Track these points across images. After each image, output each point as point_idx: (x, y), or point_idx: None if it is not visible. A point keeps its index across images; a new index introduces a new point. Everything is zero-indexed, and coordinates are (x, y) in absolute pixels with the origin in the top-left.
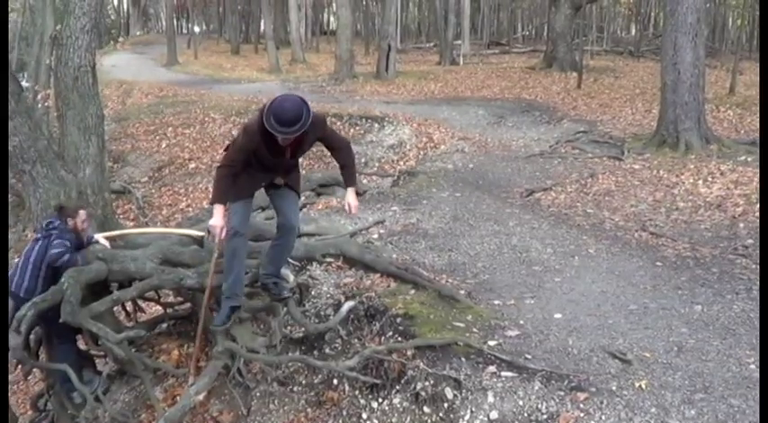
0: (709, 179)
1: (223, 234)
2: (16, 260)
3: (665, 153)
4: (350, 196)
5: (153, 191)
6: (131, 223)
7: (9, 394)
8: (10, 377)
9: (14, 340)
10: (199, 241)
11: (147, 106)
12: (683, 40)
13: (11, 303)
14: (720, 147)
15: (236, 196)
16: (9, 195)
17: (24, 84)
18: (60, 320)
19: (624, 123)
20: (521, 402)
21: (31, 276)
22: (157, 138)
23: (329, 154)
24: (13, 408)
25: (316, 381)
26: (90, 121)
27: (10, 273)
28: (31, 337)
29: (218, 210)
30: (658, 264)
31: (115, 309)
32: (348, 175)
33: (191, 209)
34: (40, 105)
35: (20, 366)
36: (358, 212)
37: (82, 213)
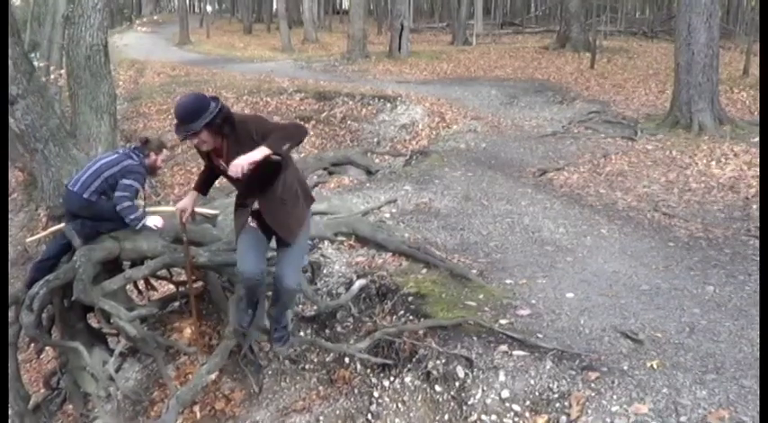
0: (723, 160)
1: (184, 217)
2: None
3: (679, 134)
4: (244, 155)
5: (165, 170)
6: (143, 202)
7: (22, 373)
8: (23, 356)
9: (27, 318)
10: (211, 219)
11: (160, 85)
12: (696, 20)
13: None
14: (734, 128)
15: (235, 228)
16: (22, 174)
17: (36, 63)
18: (72, 298)
19: (637, 104)
20: (532, 381)
21: (92, 174)
22: (170, 117)
23: (341, 132)
24: (26, 386)
25: (327, 359)
26: (102, 100)
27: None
28: (44, 315)
29: (189, 194)
30: (671, 244)
31: (127, 287)
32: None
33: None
34: (52, 85)
35: (32, 344)
36: (237, 172)
37: (165, 152)
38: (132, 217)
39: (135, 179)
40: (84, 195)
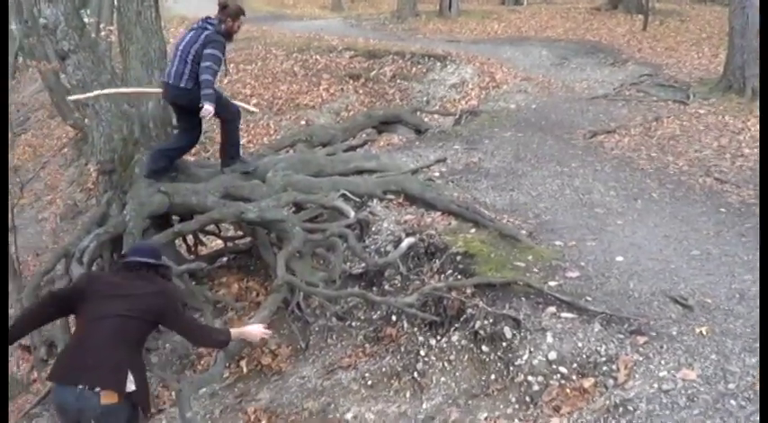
0: None
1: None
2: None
3: (731, 98)
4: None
5: (214, 126)
6: (193, 158)
7: (71, 325)
8: None
9: (77, 271)
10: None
11: None
12: None
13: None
14: None
15: None
16: (73, 130)
17: (87, 19)
18: (122, 252)
19: (690, 67)
20: (580, 344)
21: (180, 62)
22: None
23: (391, 91)
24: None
25: (374, 316)
26: (153, 56)
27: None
28: (93, 268)
29: None
30: (722, 210)
31: (176, 242)
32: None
33: (251, 145)
34: (103, 40)
35: None
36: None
37: (243, 18)
38: (208, 92)
39: (215, 48)
40: (181, 85)
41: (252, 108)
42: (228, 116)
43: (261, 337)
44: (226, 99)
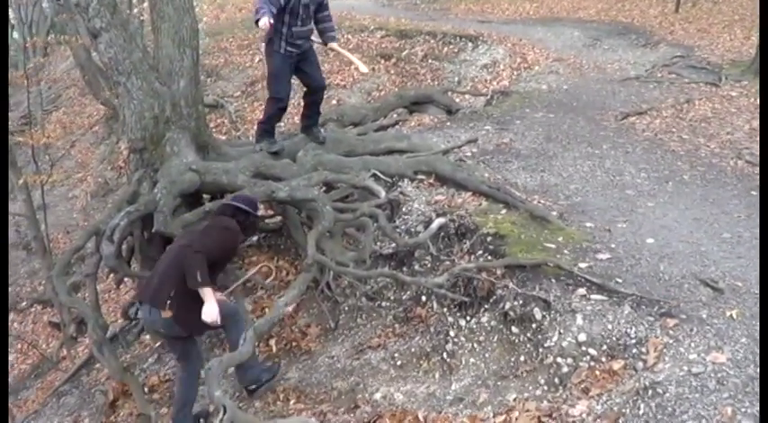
0: None
1: None
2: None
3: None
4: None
5: (245, 105)
6: (224, 136)
7: (101, 303)
8: (102, 286)
9: (107, 249)
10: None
11: (241, 21)
12: None
13: None
14: None
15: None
16: (104, 108)
17: None
18: (153, 230)
19: (722, 49)
20: (609, 326)
21: None
22: (250, 52)
23: (422, 71)
24: (104, 316)
25: (404, 297)
26: (185, 34)
27: None
28: (124, 246)
29: None
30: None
31: None
32: None
33: (282, 124)
34: (135, 18)
35: (112, 275)
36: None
37: None
38: (256, 17)
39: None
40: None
41: (363, 66)
42: (270, 94)
43: (209, 319)
44: (281, 80)
